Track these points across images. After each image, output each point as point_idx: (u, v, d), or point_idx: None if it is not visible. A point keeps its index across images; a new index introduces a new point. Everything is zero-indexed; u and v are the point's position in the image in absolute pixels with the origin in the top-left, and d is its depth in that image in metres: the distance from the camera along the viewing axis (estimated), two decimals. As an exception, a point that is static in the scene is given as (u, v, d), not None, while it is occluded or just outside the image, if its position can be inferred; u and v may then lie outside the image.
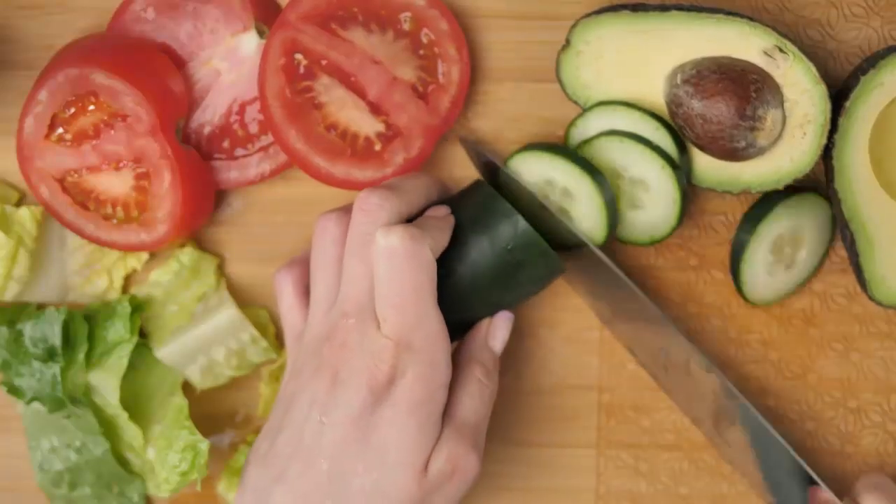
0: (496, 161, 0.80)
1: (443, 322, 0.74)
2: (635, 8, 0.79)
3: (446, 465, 0.74)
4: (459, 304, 0.78)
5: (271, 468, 0.74)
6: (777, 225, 0.81)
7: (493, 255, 0.77)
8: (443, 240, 0.76)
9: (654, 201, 0.79)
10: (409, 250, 0.73)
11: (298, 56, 0.81)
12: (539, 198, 0.78)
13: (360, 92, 0.81)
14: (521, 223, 0.77)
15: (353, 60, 0.81)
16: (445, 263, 0.77)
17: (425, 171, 0.82)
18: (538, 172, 0.79)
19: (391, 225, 0.74)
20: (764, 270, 0.82)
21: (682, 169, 0.79)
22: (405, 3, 0.81)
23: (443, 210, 0.79)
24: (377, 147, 0.81)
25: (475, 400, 0.77)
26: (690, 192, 0.83)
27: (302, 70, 0.81)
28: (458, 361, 0.78)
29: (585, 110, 0.81)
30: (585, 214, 0.78)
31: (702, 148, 0.78)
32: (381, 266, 0.74)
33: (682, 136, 0.79)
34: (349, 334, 0.74)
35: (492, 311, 0.79)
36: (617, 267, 0.78)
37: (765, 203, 0.82)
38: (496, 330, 0.79)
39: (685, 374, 0.80)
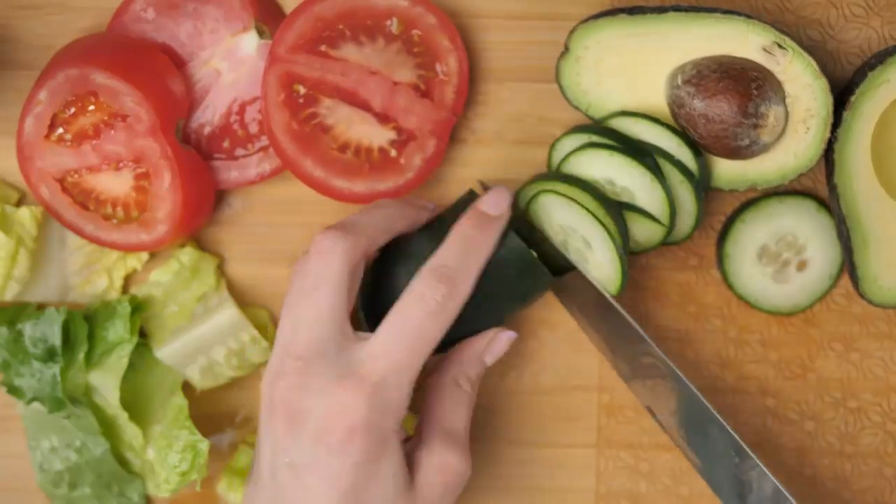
0: (517, 202, 0.79)
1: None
2: (632, 11, 0.79)
3: (438, 477, 0.75)
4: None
5: None
6: (755, 228, 0.82)
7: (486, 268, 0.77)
8: (385, 231, 0.76)
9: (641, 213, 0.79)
10: (320, 253, 0.74)
11: (297, 87, 0.81)
12: (558, 246, 0.78)
13: (364, 106, 0.81)
14: (513, 238, 0.76)
15: (350, 77, 0.81)
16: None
17: (394, 200, 0.81)
18: (559, 216, 0.78)
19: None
20: (758, 274, 0.82)
21: (700, 182, 0.79)
22: (389, 8, 0.81)
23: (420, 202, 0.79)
24: (393, 154, 0.81)
25: (462, 407, 0.78)
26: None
27: (302, 99, 0.81)
28: (448, 371, 0.78)
29: (603, 119, 0.80)
30: (600, 263, 0.78)
31: (706, 148, 0.78)
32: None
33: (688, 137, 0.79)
34: (296, 377, 0.73)
35: (481, 326, 0.79)
36: (636, 323, 0.78)
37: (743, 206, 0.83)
38: (497, 347, 0.79)
39: (704, 435, 0.79)
